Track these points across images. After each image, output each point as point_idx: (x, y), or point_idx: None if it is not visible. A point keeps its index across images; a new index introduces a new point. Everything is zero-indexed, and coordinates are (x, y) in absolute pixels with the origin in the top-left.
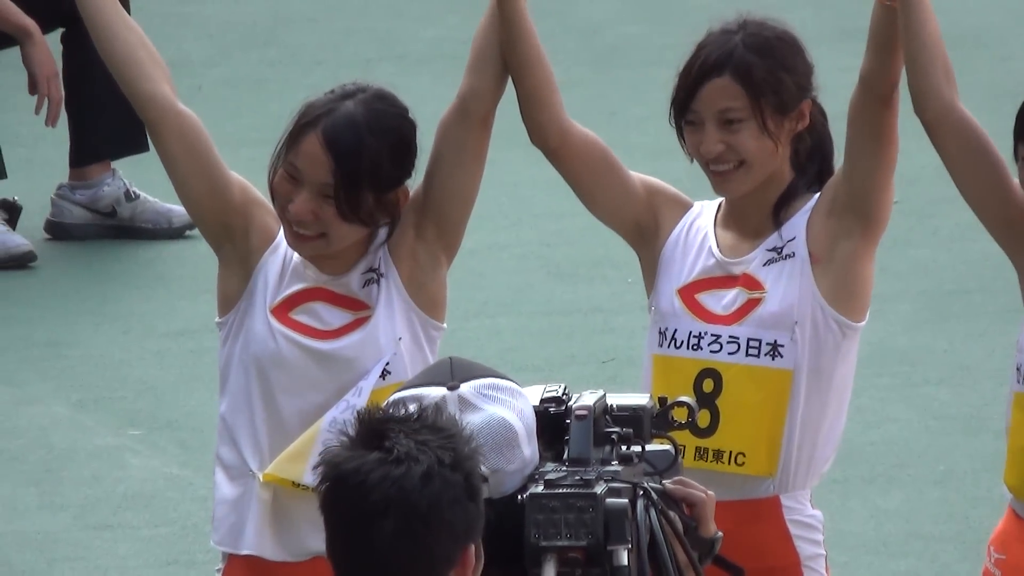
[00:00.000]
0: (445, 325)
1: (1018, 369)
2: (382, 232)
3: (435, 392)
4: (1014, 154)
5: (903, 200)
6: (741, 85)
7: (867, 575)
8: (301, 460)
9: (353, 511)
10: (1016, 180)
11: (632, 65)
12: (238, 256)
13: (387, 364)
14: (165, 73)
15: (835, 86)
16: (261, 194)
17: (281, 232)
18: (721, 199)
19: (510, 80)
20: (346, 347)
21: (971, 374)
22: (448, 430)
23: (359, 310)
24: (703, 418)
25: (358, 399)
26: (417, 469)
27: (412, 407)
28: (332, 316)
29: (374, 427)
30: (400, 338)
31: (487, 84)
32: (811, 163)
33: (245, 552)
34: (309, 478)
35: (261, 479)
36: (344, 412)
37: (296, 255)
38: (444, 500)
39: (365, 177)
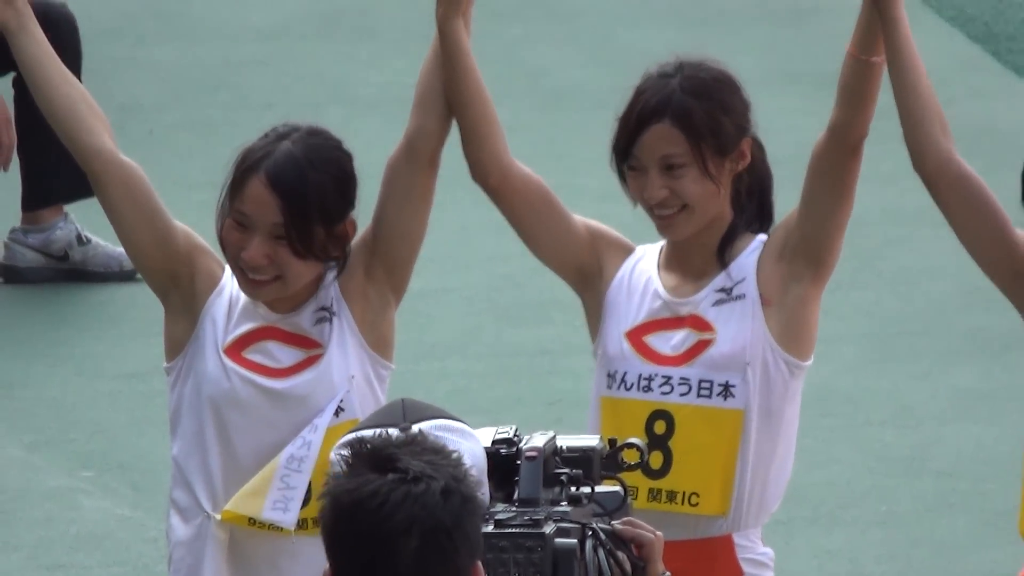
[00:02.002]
0: (394, 365)
1: None
2: (331, 273)
3: (389, 434)
4: (1022, 199)
5: (848, 244)
6: (681, 130)
7: None
8: (259, 496)
9: (376, 534)
10: (1015, 228)
11: (578, 108)
12: (184, 302)
13: (341, 401)
14: (106, 125)
15: (778, 128)
16: (204, 239)
17: (225, 276)
18: (663, 242)
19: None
20: (299, 385)
21: (914, 415)
22: (445, 451)
23: (311, 348)
24: (656, 459)
25: (314, 435)
26: (436, 486)
27: (400, 435)
28: (284, 355)
29: (380, 453)
30: (353, 376)
31: (432, 123)
32: (751, 201)
33: None
34: (268, 514)
35: (219, 518)
36: (300, 449)
37: (244, 295)
38: (464, 514)
39: (314, 211)
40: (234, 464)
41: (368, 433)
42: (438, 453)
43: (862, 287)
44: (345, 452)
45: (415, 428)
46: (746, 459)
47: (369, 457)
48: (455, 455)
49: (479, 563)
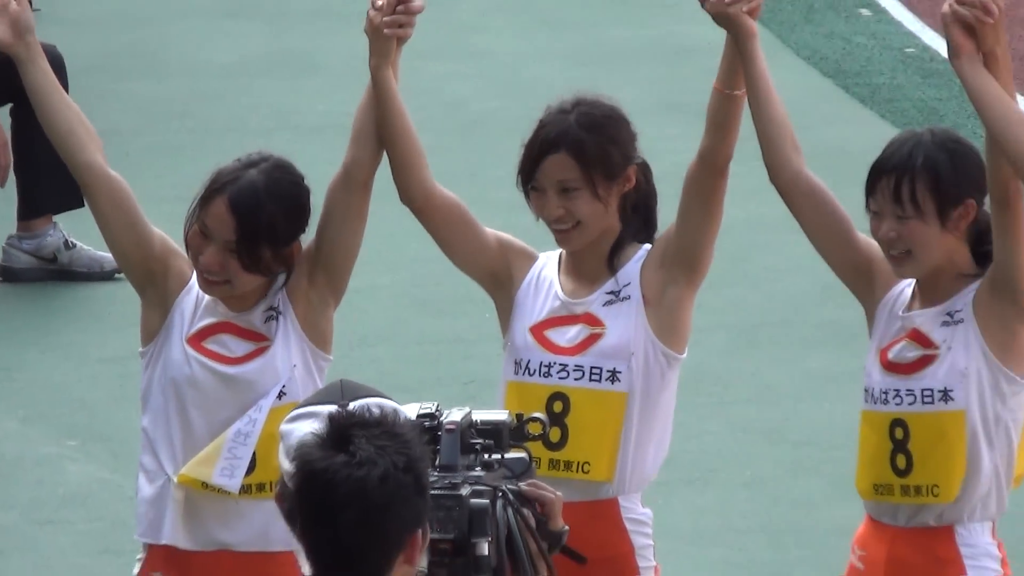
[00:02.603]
0: (331, 357)
1: (866, 391)
2: (281, 277)
3: (328, 409)
4: (865, 208)
5: (718, 247)
6: (575, 160)
7: (687, 563)
8: (209, 464)
9: (322, 503)
10: (858, 232)
11: (491, 134)
12: (158, 296)
13: (283, 387)
14: (98, 144)
15: (660, 151)
16: (177, 244)
17: (194, 276)
18: (562, 249)
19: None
20: (248, 371)
21: (774, 393)
22: (403, 436)
23: (260, 341)
24: (554, 434)
25: (259, 414)
26: (376, 472)
27: (375, 412)
28: (237, 346)
29: (343, 432)
30: (295, 365)
31: (366, 155)
32: (637, 216)
33: (163, 542)
34: (216, 479)
35: (176, 481)
36: (247, 425)
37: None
38: (397, 498)
39: (263, 236)
40: (191, 436)
41: (309, 409)
42: (394, 439)
43: (731, 285)
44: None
45: (351, 406)
46: (629, 434)
47: (335, 433)
48: (414, 440)
49: (419, 532)
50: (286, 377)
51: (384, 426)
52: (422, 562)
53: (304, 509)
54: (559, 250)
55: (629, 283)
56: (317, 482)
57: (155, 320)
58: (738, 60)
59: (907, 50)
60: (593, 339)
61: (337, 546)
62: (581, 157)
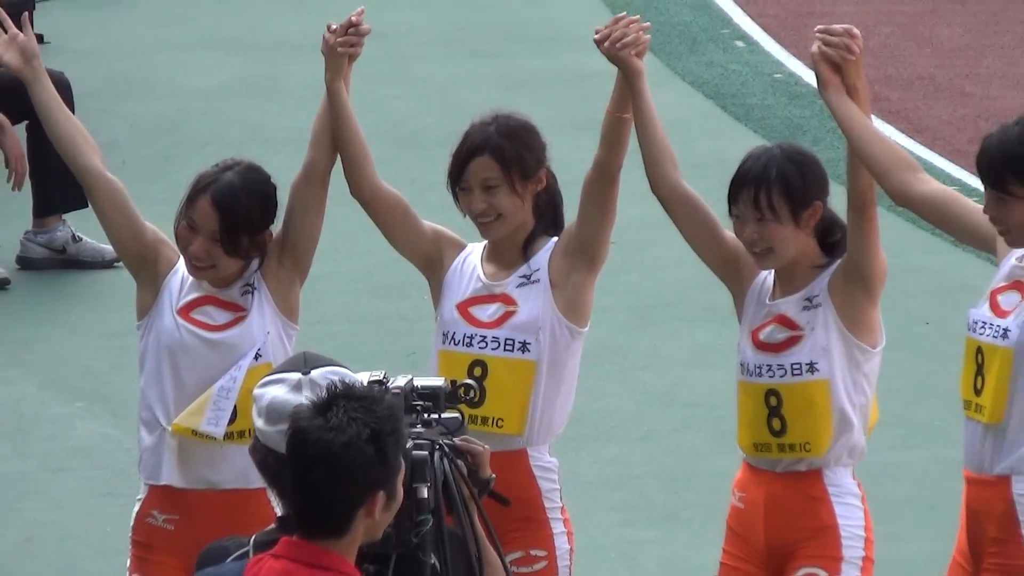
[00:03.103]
0: (298, 327)
1: (741, 365)
2: (255, 261)
3: (293, 376)
4: (729, 213)
5: (618, 240)
6: (496, 161)
7: (593, 504)
8: (198, 415)
9: (298, 456)
10: (727, 232)
11: (425, 147)
12: (150, 278)
13: (259, 350)
14: (96, 151)
15: (567, 160)
16: (166, 236)
17: (179, 261)
18: (485, 241)
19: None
20: (229, 337)
21: (666, 362)
22: (377, 412)
23: (238, 312)
24: (476, 395)
25: (239, 373)
26: (342, 438)
27: (363, 387)
28: (219, 315)
29: (328, 400)
30: (268, 332)
31: (323, 155)
32: (546, 213)
33: (162, 483)
34: (204, 427)
35: (170, 430)
36: (228, 381)
37: None
38: (356, 463)
39: (241, 226)
40: (182, 392)
41: (272, 378)
42: (368, 413)
43: (628, 272)
44: (266, 393)
45: (313, 373)
46: (537, 396)
47: (325, 399)
48: (386, 415)
49: (380, 494)
50: (261, 341)
51: (365, 401)
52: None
53: (288, 459)
54: (483, 242)
55: (539, 269)
56: (297, 439)
57: (148, 298)
58: (627, 90)
59: (775, 76)
60: (508, 315)
61: (307, 495)
62: (501, 159)
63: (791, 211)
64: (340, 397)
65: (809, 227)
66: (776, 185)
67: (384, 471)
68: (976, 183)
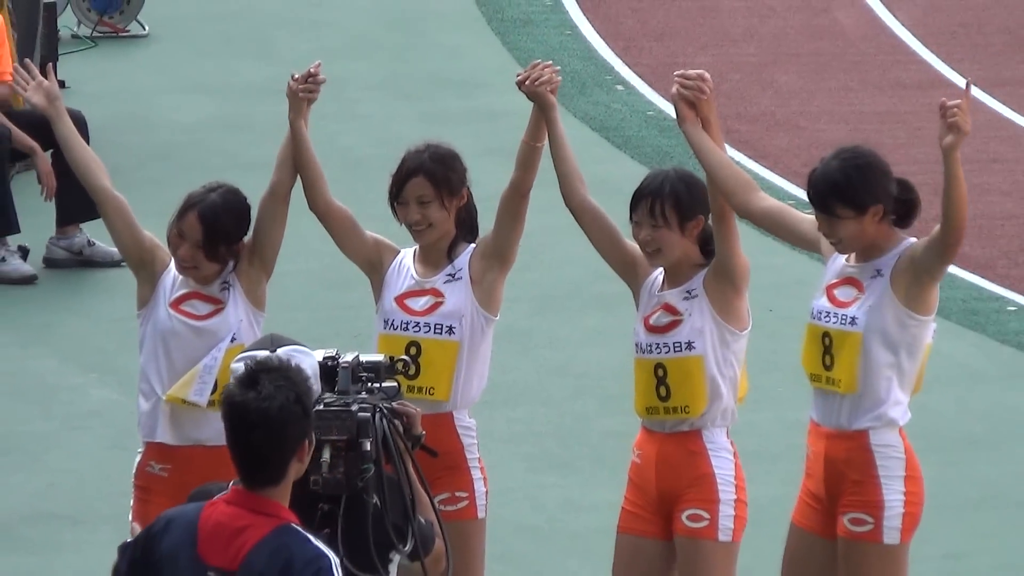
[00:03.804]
0: (265, 314)
1: (636, 345)
2: (231, 263)
3: (262, 353)
4: (629, 219)
5: (524, 244)
6: (428, 180)
7: (504, 457)
8: (187, 386)
9: (239, 425)
10: (626, 239)
11: (369, 170)
12: (148, 277)
13: (234, 334)
14: (106, 174)
15: (481, 181)
16: (160, 241)
17: (172, 263)
18: (417, 246)
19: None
20: (211, 324)
21: (562, 342)
22: (294, 378)
23: (218, 304)
24: (411, 369)
25: (219, 353)
26: (275, 404)
27: (275, 361)
28: (203, 307)
29: (253, 375)
30: (241, 320)
31: (285, 177)
32: (466, 222)
33: (157, 440)
34: (191, 397)
35: (164, 399)
36: (210, 360)
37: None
38: (290, 420)
39: (220, 238)
40: (172, 368)
41: (261, 353)
42: (287, 380)
43: (533, 270)
44: (241, 366)
45: (279, 351)
46: (460, 370)
47: (248, 376)
48: (302, 381)
49: (306, 442)
50: (236, 328)
51: (282, 371)
52: (324, 455)
53: (227, 428)
54: (414, 247)
55: (462, 268)
56: (235, 411)
57: (146, 292)
58: (541, 121)
59: (648, 113)
60: (436, 306)
61: (251, 454)
62: (433, 179)
63: (679, 221)
64: (261, 371)
65: (693, 236)
66: (668, 199)
67: (307, 423)
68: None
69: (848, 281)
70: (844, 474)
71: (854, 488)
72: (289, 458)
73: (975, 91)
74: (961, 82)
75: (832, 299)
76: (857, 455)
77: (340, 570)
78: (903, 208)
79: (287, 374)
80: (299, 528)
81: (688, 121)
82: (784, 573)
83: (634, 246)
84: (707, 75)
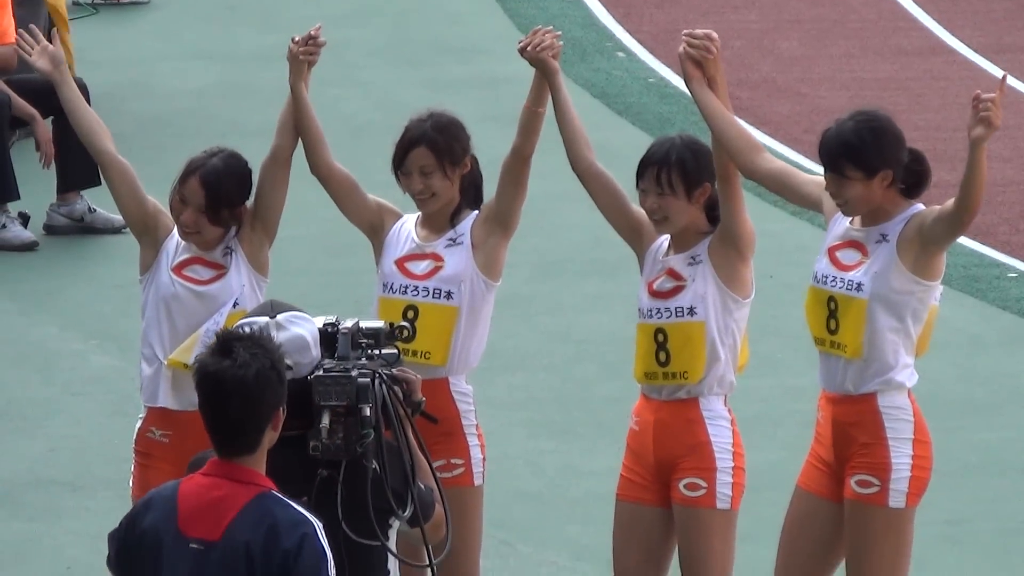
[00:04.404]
0: (268, 280)
1: (639, 310)
2: (234, 228)
3: (262, 319)
4: (636, 187)
5: (525, 210)
6: (431, 151)
7: (504, 422)
8: (189, 351)
9: (215, 394)
10: (633, 204)
11: (370, 138)
12: (151, 241)
13: (236, 299)
14: (110, 138)
15: (483, 148)
16: (163, 207)
17: (175, 228)
18: (419, 213)
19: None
20: (213, 290)
21: (563, 308)
22: (267, 346)
23: (220, 269)
24: (408, 333)
25: (220, 317)
26: (251, 371)
27: (247, 329)
28: (205, 272)
29: (226, 344)
30: (243, 285)
31: (287, 139)
32: (471, 190)
33: (159, 405)
34: (193, 362)
35: (166, 363)
36: (212, 325)
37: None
38: (267, 387)
39: (222, 202)
40: (174, 333)
41: (261, 320)
42: (261, 348)
43: (534, 235)
44: (211, 339)
45: (278, 316)
46: (458, 335)
47: (221, 345)
48: (275, 348)
49: (280, 409)
50: (238, 292)
51: (254, 339)
52: (324, 421)
53: (200, 398)
54: (416, 213)
55: (463, 234)
56: (210, 380)
57: (149, 257)
58: (544, 87)
59: (649, 80)
60: (436, 270)
61: (227, 423)
62: (435, 149)
63: (685, 188)
64: (234, 340)
65: (699, 203)
66: (675, 167)
67: (282, 390)
68: (808, 165)
69: (851, 244)
70: (853, 437)
71: (862, 450)
72: (264, 426)
73: (975, 57)
74: (961, 48)
75: (835, 262)
76: (866, 417)
77: (324, 535)
78: (913, 178)
79: (260, 342)
80: (280, 495)
81: (695, 80)
82: (784, 535)
83: (640, 211)
84: (715, 35)
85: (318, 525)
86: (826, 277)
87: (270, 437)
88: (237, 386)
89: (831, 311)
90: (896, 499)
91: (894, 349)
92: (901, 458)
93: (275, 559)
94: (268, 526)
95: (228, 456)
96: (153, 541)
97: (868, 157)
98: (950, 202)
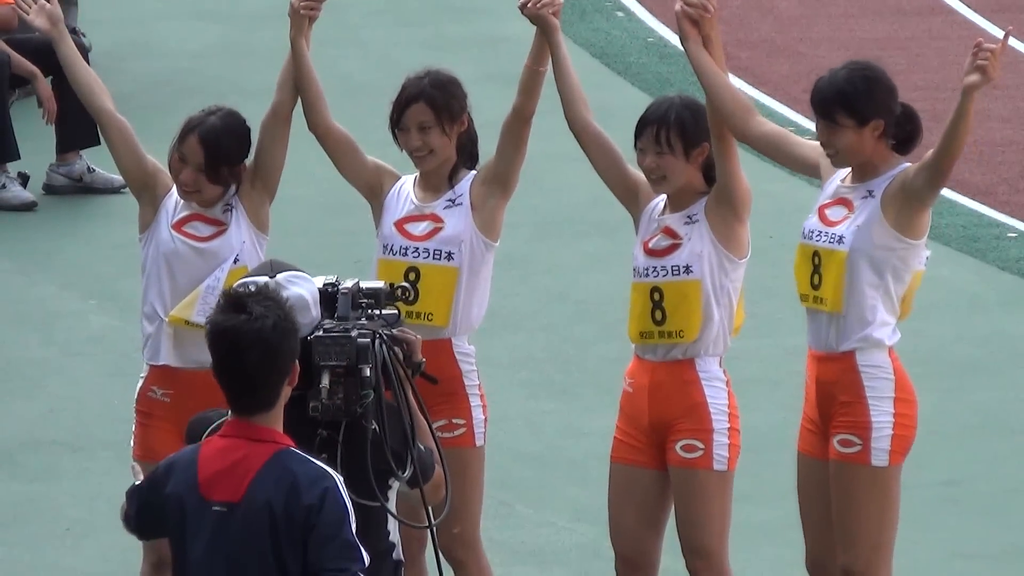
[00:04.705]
0: (268, 238)
1: (634, 269)
2: (233, 186)
3: (262, 279)
4: (634, 147)
5: (524, 170)
6: (429, 106)
7: (503, 381)
8: (190, 308)
9: (232, 349)
10: (629, 164)
11: (368, 97)
12: (150, 200)
13: (237, 255)
14: (109, 97)
15: (481, 107)
16: (162, 165)
17: (174, 186)
18: (416, 173)
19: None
20: (213, 246)
21: (561, 270)
22: (276, 298)
23: (220, 226)
24: (411, 295)
25: (221, 274)
26: (267, 323)
27: (252, 287)
28: (205, 229)
29: (239, 300)
30: (244, 242)
31: (286, 97)
32: (467, 148)
33: (161, 363)
34: (194, 318)
35: (167, 320)
36: (213, 281)
37: None
38: (285, 339)
39: (222, 159)
40: (175, 290)
41: (261, 279)
42: (272, 301)
43: (531, 196)
44: (213, 295)
45: (278, 276)
46: (459, 296)
47: (232, 301)
48: (285, 302)
49: (296, 362)
50: (239, 249)
51: (263, 293)
52: (324, 381)
53: (216, 357)
54: (414, 174)
55: (462, 194)
56: (227, 336)
57: (148, 215)
58: (544, 46)
59: (648, 39)
60: (436, 231)
61: (245, 379)
62: (433, 105)
63: (684, 148)
64: (243, 296)
65: (697, 162)
66: (674, 126)
67: (297, 341)
68: (807, 124)
69: (840, 201)
70: (834, 396)
71: (843, 409)
72: (282, 379)
73: (974, 16)
74: (960, 7)
75: (823, 218)
76: (846, 376)
77: (345, 488)
78: (904, 134)
79: (270, 295)
80: (298, 451)
81: (691, 39)
82: (801, 503)
83: (636, 171)
84: None
85: (339, 479)
86: (812, 232)
87: (286, 392)
88: (256, 339)
89: (815, 266)
90: (879, 458)
91: (872, 304)
92: (882, 416)
93: (298, 515)
94: (289, 484)
95: (246, 415)
96: (176, 506)
97: (860, 104)
98: (930, 152)
